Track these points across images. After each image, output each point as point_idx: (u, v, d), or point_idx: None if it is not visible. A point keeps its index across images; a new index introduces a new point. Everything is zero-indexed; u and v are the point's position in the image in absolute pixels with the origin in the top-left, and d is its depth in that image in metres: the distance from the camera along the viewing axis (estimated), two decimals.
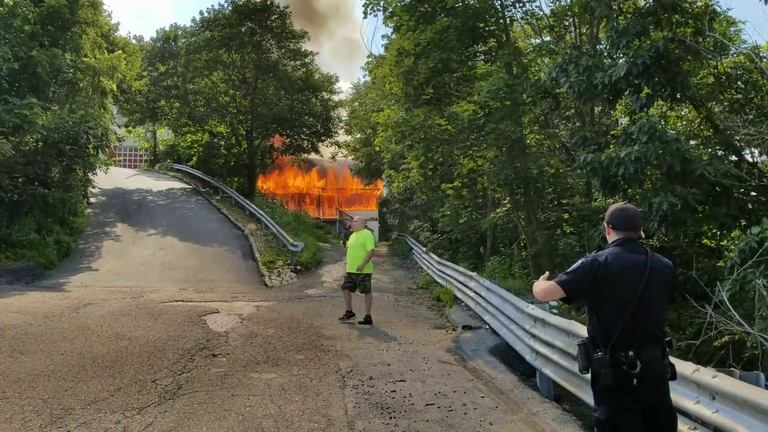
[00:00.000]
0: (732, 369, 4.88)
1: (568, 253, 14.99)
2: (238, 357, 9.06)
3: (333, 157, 48.87)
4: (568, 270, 3.84)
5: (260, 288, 18.81)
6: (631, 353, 3.65)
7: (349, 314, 12.80)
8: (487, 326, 11.78)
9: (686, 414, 4.85)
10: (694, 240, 12.08)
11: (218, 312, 13.29)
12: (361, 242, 12.73)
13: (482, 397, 7.36)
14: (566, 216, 15.73)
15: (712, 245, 12.24)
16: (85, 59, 26.83)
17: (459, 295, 15.56)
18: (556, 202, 16.75)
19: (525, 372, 8.89)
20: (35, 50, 22.91)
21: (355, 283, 12.77)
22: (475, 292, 13.68)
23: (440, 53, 16.57)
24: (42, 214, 22.73)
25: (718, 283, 6.41)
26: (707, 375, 4.63)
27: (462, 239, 22.05)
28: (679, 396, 4.96)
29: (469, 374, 8.61)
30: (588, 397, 6.54)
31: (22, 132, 21.56)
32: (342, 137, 47.12)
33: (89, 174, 27.16)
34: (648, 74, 10.67)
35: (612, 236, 3.94)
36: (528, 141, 17.69)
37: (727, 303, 6.08)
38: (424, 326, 12.87)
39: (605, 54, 12.37)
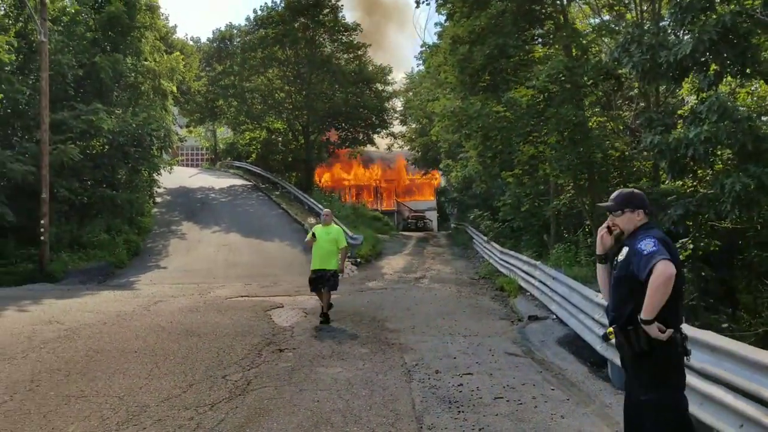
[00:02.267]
0: None
1: None
2: (305, 351, 9.13)
3: (389, 148, 48.91)
4: (654, 251, 3.74)
5: None
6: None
7: (326, 316, 11.39)
8: (554, 316, 11.55)
9: None
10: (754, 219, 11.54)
11: (282, 306, 13.45)
12: (333, 238, 11.59)
13: (552, 389, 7.20)
14: None
15: None
16: (146, 62, 27.61)
17: (523, 284, 15.32)
18: (622, 186, 16.24)
19: (595, 362, 8.66)
20: (98, 56, 23.69)
21: (323, 280, 11.44)
22: (540, 282, 13.44)
23: (496, 39, 16.27)
24: (111, 215, 23.56)
25: None
26: None
27: (524, 227, 21.70)
28: (760, 386, 4.74)
29: (537, 366, 8.45)
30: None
31: (89, 136, 22.36)
32: (397, 128, 47.12)
33: (154, 174, 27.98)
34: (715, 50, 10.20)
35: (643, 219, 4.09)
36: (591, 124, 17.23)
37: None
38: (488, 317, 12.71)
39: (669, 31, 11.87)
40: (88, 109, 22.13)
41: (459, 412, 6.36)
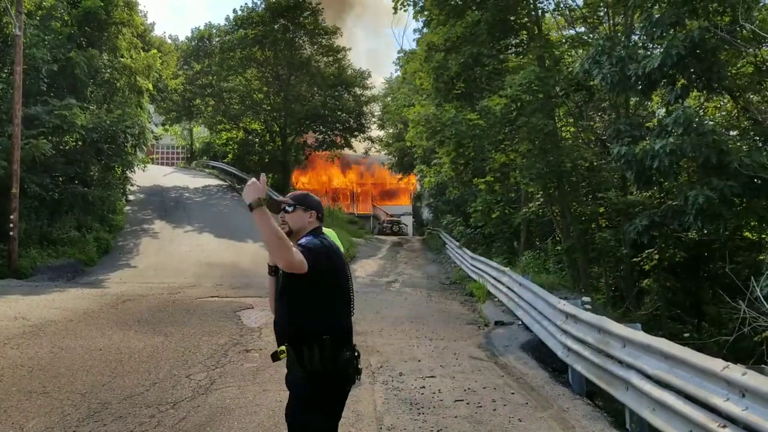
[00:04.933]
0: (763, 366, 4.78)
1: (603, 248, 14.79)
2: (271, 352, 9.16)
3: (366, 153, 49.01)
4: (307, 241, 3.47)
5: None
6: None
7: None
8: (520, 322, 11.70)
9: (716, 411, 4.76)
10: (734, 233, 11.82)
11: (252, 308, 13.44)
12: None
13: (512, 393, 7.33)
14: (601, 210, 15.52)
15: (754, 238, 11.97)
16: (122, 59, 27.35)
17: (492, 290, 15.48)
18: (591, 196, 16.55)
19: (557, 368, 8.83)
20: (73, 51, 23.44)
21: None
22: (508, 288, 13.59)
23: (471, 48, 16.47)
24: (82, 212, 23.28)
25: (752, 278, 6.25)
26: (737, 372, 4.54)
27: (496, 234, 21.92)
28: (709, 393, 4.89)
29: (500, 370, 8.58)
30: (620, 394, 6.48)
31: (62, 132, 22.09)
32: (375, 132, 47.26)
33: (127, 172, 27.71)
34: (683, 65, 10.48)
35: (314, 222, 3.71)
36: (564, 134, 17.48)
37: (762, 299, 5.93)
38: (456, 322, 12.84)
39: (639, 45, 12.14)
40: (62, 105, 21.88)
41: (419, 413, 6.45)
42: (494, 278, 15.50)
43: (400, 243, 37.49)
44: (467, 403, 6.81)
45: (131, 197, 32.27)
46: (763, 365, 4.88)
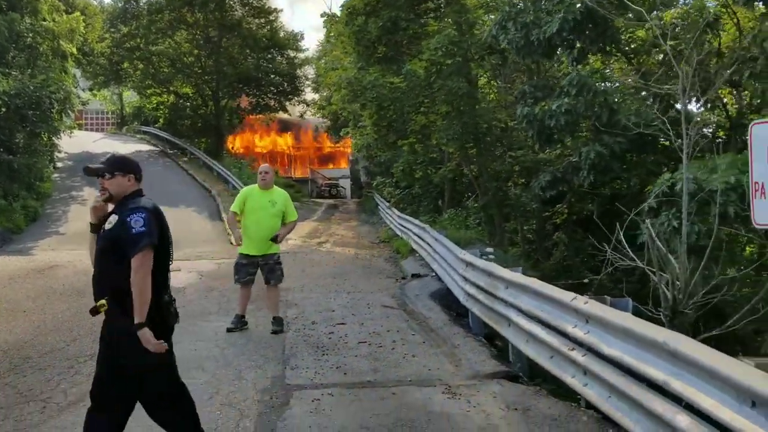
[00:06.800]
0: (605, 297, 5.55)
1: (516, 203, 15.65)
2: (192, 309, 9.62)
3: (302, 116, 48.90)
4: (142, 232, 3.62)
5: (226, 247, 19.27)
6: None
7: (242, 320, 8.29)
8: (434, 274, 12.44)
9: (568, 337, 5.52)
10: (644, 188, 12.76)
11: (179, 270, 13.74)
12: (280, 208, 8.07)
13: (413, 334, 8.03)
14: (516, 168, 16.38)
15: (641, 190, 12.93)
16: (44, 23, 26.64)
17: (415, 246, 16.19)
18: (507, 155, 17.37)
19: (461, 313, 9.57)
20: None
21: (256, 270, 8.26)
22: (427, 243, 14.31)
23: (390, 11, 16.89)
24: (7, 180, 22.88)
25: (616, 224, 7.07)
26: (581, 302, 5.29)
27: (423, 194, 22.67)
28: (564, 322, 5.65)
29: (407, 316, 9.28)
30: (504, 330, 7.23)
31: None
32: (310, 95, 47.13)
33: (54, 139, 27.21)
34: (579, 30, 11.16)
35: (134, 185, 3.87)
36: (490, 96, 18.12)
37: (624, 242, 6.74)
38: (376, 276, 13.51)
39: (544, 11, 12.80)
40: None
41: (323, 354, 7.08)
42: (417, 235, 16.21)
43: (336, 206, 37.98)
44: (369, 344, 7.47)
45: (59, 164, 31.61)
46: (605, 296, 5.63)
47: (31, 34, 25.79)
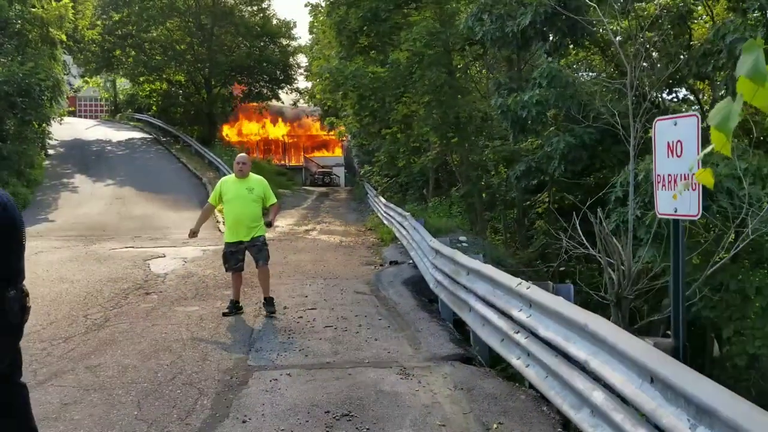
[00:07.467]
0: (548, 282, 5.82)
1: (496, 192, 15.90)
2: (170, 294, 9.89)
3: (295, 104, 49.01)
4: None
5: (214, 233, 19.49)
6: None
7: (236, 305, 8.53)
8: (411, 261, 12.71)
9: (514, 320, 5.79)
10: (599, 176, 13.01)
11: (164, 257, 14.02)
12: (259, 195, 8.31)
13: (380, 319, 8.29)
14: (495, 157, 16.62)
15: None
16: (33, 9, 26.74)
17: (397, 234, 16.46)
18: (487, 146, 17.59)
19: (433, 299, 9.84)
20: None
21: (245, 255, 8.51)
22: (407, 231, 14.58)
23: (370, 2, 17.03)
24: None
25: (573, 214, 7.32)
26: (524, 287, 5.56)
27: (409, 182, 22.91)
28: (512, 306, 5.92)
29: (377, 302, 9.54)
30: (465, 315, 7.51)
31: None
32: (303, 84, 47.26)
33: (45, 125, 27.39)
34: (551, 22, 11.37)
35: None
36: (477, 86, 18.30)
37: (579, 231, 6.99)
38: (356, 263, 13.76)
39: (518, 2, 12.99)
40: None
41: (289, 338, 7.34)
42: (399, 223, 16.49)
43: (327, 194, 38.18)
44: (335, 328, 7.74)
45: (51, 151, 31.84)
46: (549, 281, 5.89)
47: (19, 21, 25.93)
